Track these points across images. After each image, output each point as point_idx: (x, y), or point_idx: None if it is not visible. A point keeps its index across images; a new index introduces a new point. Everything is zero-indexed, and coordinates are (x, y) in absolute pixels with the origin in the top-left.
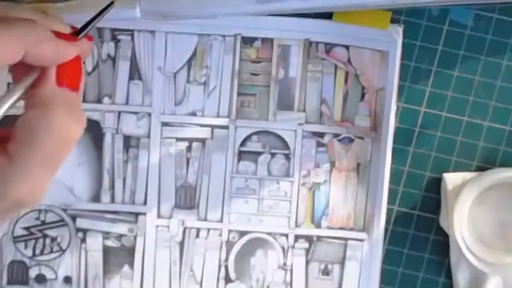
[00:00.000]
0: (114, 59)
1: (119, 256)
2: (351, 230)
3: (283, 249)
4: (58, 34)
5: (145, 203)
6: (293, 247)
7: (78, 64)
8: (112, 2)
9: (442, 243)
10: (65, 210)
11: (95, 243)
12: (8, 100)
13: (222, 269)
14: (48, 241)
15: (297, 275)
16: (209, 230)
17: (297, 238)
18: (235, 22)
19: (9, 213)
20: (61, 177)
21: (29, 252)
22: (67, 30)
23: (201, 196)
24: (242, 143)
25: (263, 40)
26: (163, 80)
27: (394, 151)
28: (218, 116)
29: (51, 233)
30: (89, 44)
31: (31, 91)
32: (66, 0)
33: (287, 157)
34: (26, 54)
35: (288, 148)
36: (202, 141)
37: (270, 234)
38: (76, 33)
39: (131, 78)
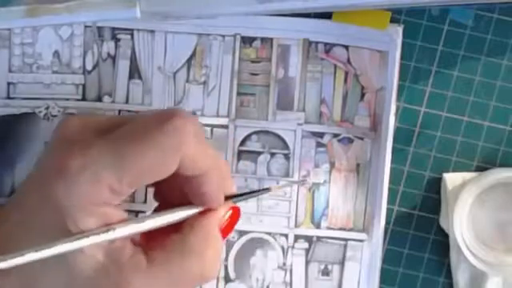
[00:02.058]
0: (114, 58)
1: None
2: (351, 230)
3: (283, 249)
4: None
5: (145, 201)
6: (292, 247)
7: (239, 215)
8: (268, 189)
9: (442, 243)
10: None
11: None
12: (156, 221)
13: (222, 268)
14: None
15: (296, 275)
16: None
17: (296, 238)
18: (235, 21)
19: None
20: None
21: None
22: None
23: None
24: (242, 143)
25: (263, 40)
26: (163, 79)
27: (394, 151)
28: (217, 115)
29: None
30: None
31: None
32: (66, 0)
33: (287, 157)
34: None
35: (287, 148)
36: None
37: (269, 233)
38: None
39: (131, 77)
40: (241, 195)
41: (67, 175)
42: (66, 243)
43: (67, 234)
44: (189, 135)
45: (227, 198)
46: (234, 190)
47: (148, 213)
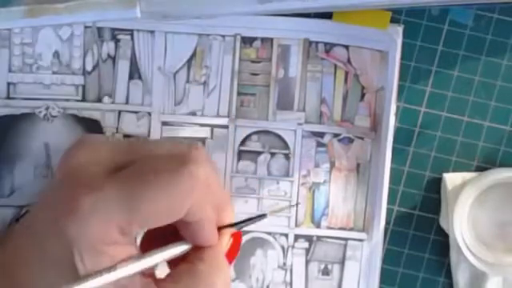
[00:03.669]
0: (114, 59)
1: None
2: (351, 230)
3: (283, 248)
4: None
5: None
6: (292, 247)
7: (241, 238)
8: (264, 215)
9: (442, 243)
10: None
11: None
12: (154, 259)
13: None
14: None
15: (296, 275)
16: None
17: (296, 237)
18: (235, 21)
19: None
20: None
21: None
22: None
23: None
24: (242, 143)
25: (263, 40)
26: (163, 80)
27: (394, 151)
28: (217, 116)
29: None
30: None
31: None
32: (66, 1)
33: (287, 156)
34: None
35: (288, 148)
36: (202, 140)
37: (269, 233)
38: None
39: (131, 77)
40: (238, 223)
41: (78, 215)
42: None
43: (74, 272)
44: (201, 182)
45: (225, 226)
46: (232, 218)
47: None
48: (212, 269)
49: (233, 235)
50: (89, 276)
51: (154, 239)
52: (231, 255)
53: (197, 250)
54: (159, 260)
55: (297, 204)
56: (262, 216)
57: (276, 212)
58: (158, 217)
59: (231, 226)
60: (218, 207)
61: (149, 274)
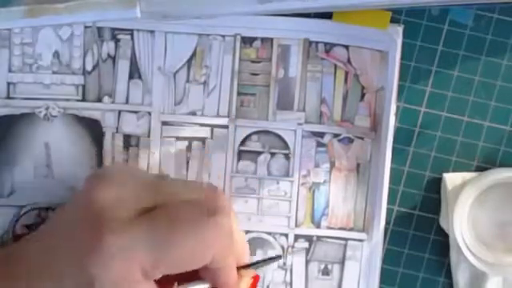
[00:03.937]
0: (114, 58)
1: None
2: (351, 230)
3: (283, 248)
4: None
5: None
6: (292, 247)
7: (258, 280)
8: (280, 256)
9: (442, 243)
10: None
11: None
12: None
13: None
14: None
15: (296, 275)
16: None
17: (296, 237)
18: (235, 21)
19: None
20: (61, 175)
21: None
22: None
23: None
24: (242, 143)
25: (263, 40)
26: (163, 79)
27: (394, 151)
28: (217, 115)
29: None
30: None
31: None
32: (66, 1)
33: (287, 156)
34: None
35: (288, 148)
36: (202, 140)
37: (269, 233)
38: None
39: (131, 77)
40: (254, 263)
41: (103, 253)
42: None
43: None
44: (225, 232)
45: (242, 267)
46: (247, 259)
47: None
48: None
49: (253, 278)
50: None
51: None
52: None
53: None
54: None
55: (293, 251)
56: (277, 257)
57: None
58: (182, 263)
59: (248, 266)
60: (238, 253)
61: None
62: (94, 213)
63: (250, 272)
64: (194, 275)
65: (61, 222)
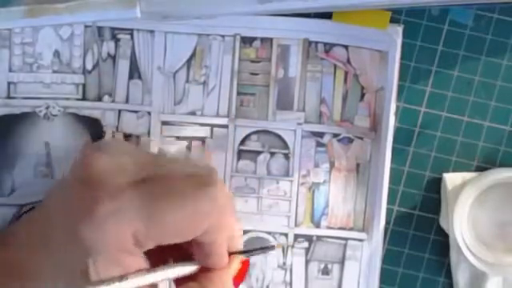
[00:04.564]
0: (114, 58)
1: None
2: (351, 229)
3: (283, 248)
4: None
5: None
6: (292, 247)
7: (248, 266)
8: (273, 246)
9: (442, 243)
10: None
11: None
12: (167, 273)
13: None
14: None
15: (296, 275)
16: None
17: (296, 237)
18: (234, 21)
19: None
20: (61, 174)
21: None
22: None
23: None
24: (242, 142)
25: (262, 40)
26: (163, 79)
27: (394, 151)
28: (217, 115)
29: None
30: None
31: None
32: (66, 1)
33: (286, 156)
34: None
35: (287, 147)
36: (202, 140)
37: (269, 233)
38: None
39: (131, 77)
40: (247, 251)
41: (95, 218)
42: None
43: (85, 279)
44: (219, 205)
45: (235, 252)
46: (241, 246)
47: None
48: None
49: (243, 262)
50: (100, 282)
51: (157, 252)
52: (238, 281)
53: (205, 270)
54: (168, 276)
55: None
56: (270, 247)
57: (281, 246)
58: (175, 233)
59: (240, 252)
60: (229, 233)
61: None
62: (90, 181)
63: (240, 257)
64: (185, 257)
65: (56, 193)
